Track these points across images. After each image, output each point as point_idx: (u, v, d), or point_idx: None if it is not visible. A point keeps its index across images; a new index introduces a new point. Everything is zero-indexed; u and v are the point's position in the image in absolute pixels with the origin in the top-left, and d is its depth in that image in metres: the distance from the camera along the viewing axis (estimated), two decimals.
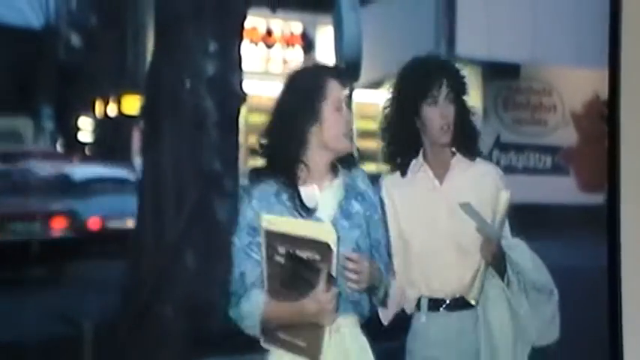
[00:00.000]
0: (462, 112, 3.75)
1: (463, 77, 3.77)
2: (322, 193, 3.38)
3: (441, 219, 3.72)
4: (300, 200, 3.33)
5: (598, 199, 21.74)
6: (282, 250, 3.19)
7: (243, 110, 8.67)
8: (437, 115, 3.69)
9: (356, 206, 3.41)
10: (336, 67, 3.58)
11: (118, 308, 8.42)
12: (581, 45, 21.29)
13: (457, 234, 3.70)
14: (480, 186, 3.77)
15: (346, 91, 3.42)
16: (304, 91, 3.37)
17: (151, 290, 8.17)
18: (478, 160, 3.81)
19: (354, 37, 10.47)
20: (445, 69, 3.77)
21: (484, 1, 20.64)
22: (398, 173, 3.76)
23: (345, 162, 3.44)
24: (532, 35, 20.82)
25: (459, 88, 3.75)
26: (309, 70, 3.49)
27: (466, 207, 3.58)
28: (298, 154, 3.36)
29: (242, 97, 8.36)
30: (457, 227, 3.69)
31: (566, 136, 22.47)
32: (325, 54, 25.52)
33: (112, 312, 8.41)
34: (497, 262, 3.69)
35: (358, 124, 4.46)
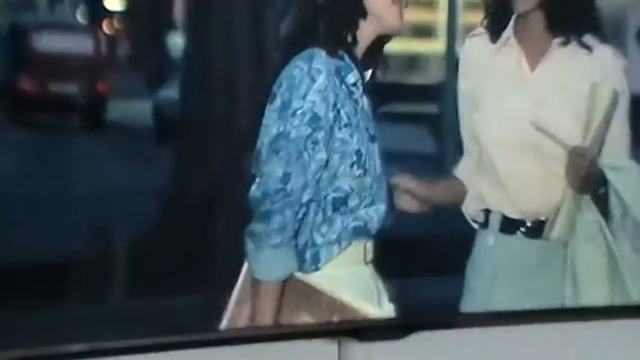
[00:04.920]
0: None
1: None
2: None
3: (523, 117, 3.31)
4: (364, 85, 3.00)
5: None
6: None
7: None
8: None
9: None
10: None
11: (158, 219, 7.44)
12: None
13: (541, 141, 3.30)
14: (585, 82, 3.31)
15: None
16: None
17: (202, 199, 7.25)
18: (593, 42, 3.34)
19: None
20: None
21: None
22: (487, 37, 3.41)
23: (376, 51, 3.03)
24: None
25: None
26: None
27: (538, 126, 3.14)
28: (351, 23, 3.00)
29: None
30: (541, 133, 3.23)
31: None
32: None
33: (150, 223, 7.43)
34: (592, 188, 3.24)
35: None
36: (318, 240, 2.96)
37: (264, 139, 2.96)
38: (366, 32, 3.06)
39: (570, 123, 3.27)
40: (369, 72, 3.07)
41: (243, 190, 7.30)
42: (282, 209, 2.92)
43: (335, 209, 2.95)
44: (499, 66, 3.38)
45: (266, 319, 2.96)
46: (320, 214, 2.95)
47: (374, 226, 3.01)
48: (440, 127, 7.45)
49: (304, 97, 2.95)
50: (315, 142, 2.93)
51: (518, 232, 3.40)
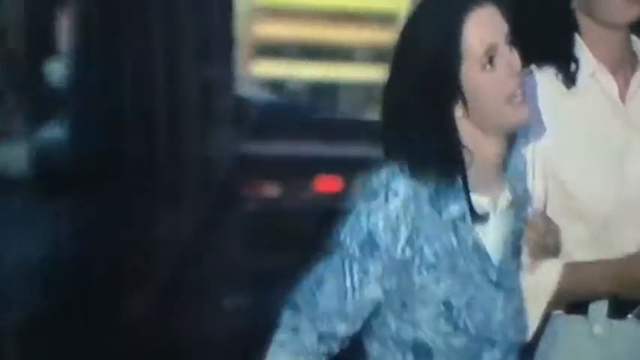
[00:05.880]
0: None
1: None
2: (493, 209, 2.49)
3: (630, 159, 2.66)
4: (471, 206, 2.46)
5: None
6: None
7: None
8: None
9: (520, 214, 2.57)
10: None
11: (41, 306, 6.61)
12: None
13: None
14: None
15: (497, 22, 2.40)
16: (428, 54, 2.42)
17: (103, 277, 6.36)
18: None
19: None
20: None
21: None
22: (547, 75, 2.67)
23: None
24: None
25: None
26: (433, 10, 2.46)
27: None
28: (452, 148, 2.46)
29: None
30: None
31: None
32: None
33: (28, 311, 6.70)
34: None
35: None
36: None
37: None
38: (482, 151, 2.43)
39: None
40: (500, 207, 2.42)
41: (164, 264, 6.29)
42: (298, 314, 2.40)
43: (417, 356, 2.40)
44: (583, 105, 2.71)
45: None
46: (399, 355, 2.39)
47: None
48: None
49: (369, 215, 2.41)
50: (365, 272, 2.40)
51: (631, 316, 2.71)
